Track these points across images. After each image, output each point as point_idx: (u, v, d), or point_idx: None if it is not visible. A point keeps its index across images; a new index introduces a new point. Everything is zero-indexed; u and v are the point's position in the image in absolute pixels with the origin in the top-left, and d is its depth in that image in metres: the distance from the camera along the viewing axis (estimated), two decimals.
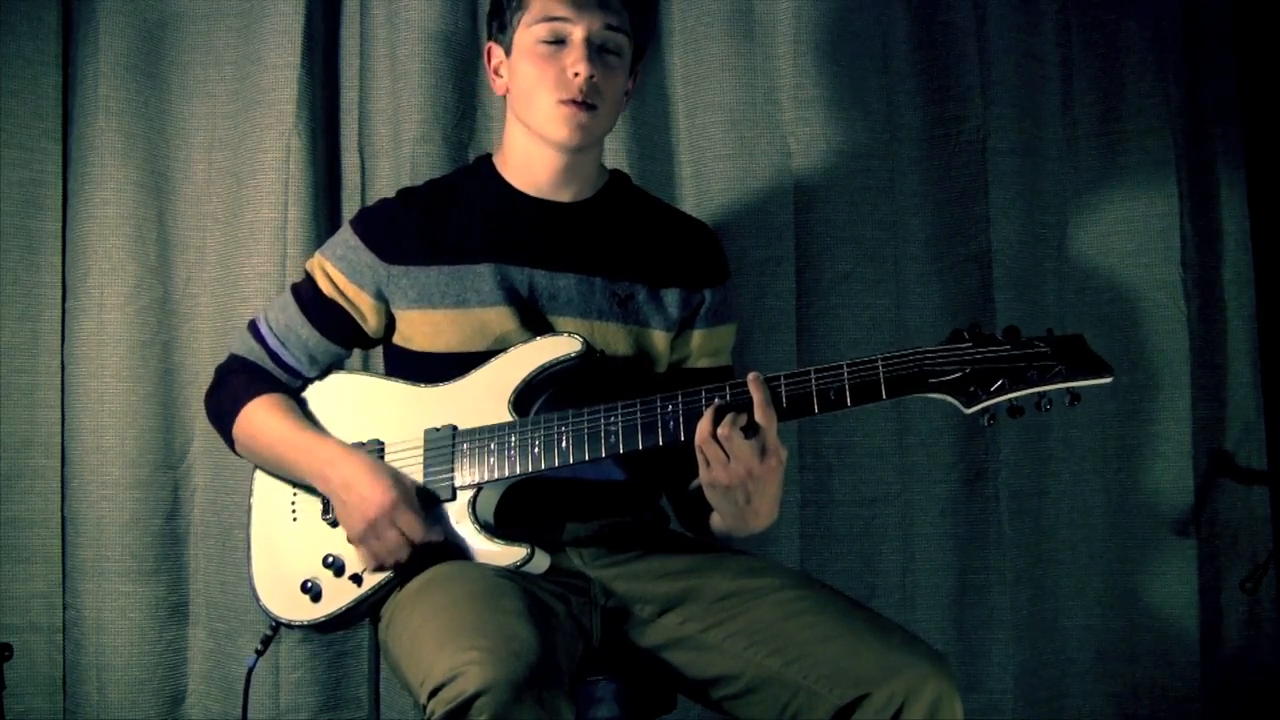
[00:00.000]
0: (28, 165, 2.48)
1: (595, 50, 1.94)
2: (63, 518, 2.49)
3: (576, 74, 1.92)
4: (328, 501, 1.95)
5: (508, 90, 2.03)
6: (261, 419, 1.98)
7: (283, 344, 2.03)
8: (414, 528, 1.84)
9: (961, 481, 2.59)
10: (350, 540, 1.88)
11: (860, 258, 2.56)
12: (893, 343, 2.51)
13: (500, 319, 1.95)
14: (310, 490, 1.96)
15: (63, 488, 2.49)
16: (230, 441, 2.04)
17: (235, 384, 2.02)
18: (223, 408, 2.03)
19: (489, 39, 2.06)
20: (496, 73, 2.05)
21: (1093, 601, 2.62)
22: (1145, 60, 2.65)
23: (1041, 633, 2.60)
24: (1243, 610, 2.64)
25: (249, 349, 2.05)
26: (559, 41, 1.94)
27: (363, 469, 1.87)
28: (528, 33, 1.95)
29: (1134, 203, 2.64)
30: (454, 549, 1.87)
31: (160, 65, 2.54)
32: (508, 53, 2.01)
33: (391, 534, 1.84)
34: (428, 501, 1.88)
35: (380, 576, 1.89)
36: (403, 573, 1.87)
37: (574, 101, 1.93)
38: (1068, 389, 1.72)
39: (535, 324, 1.96)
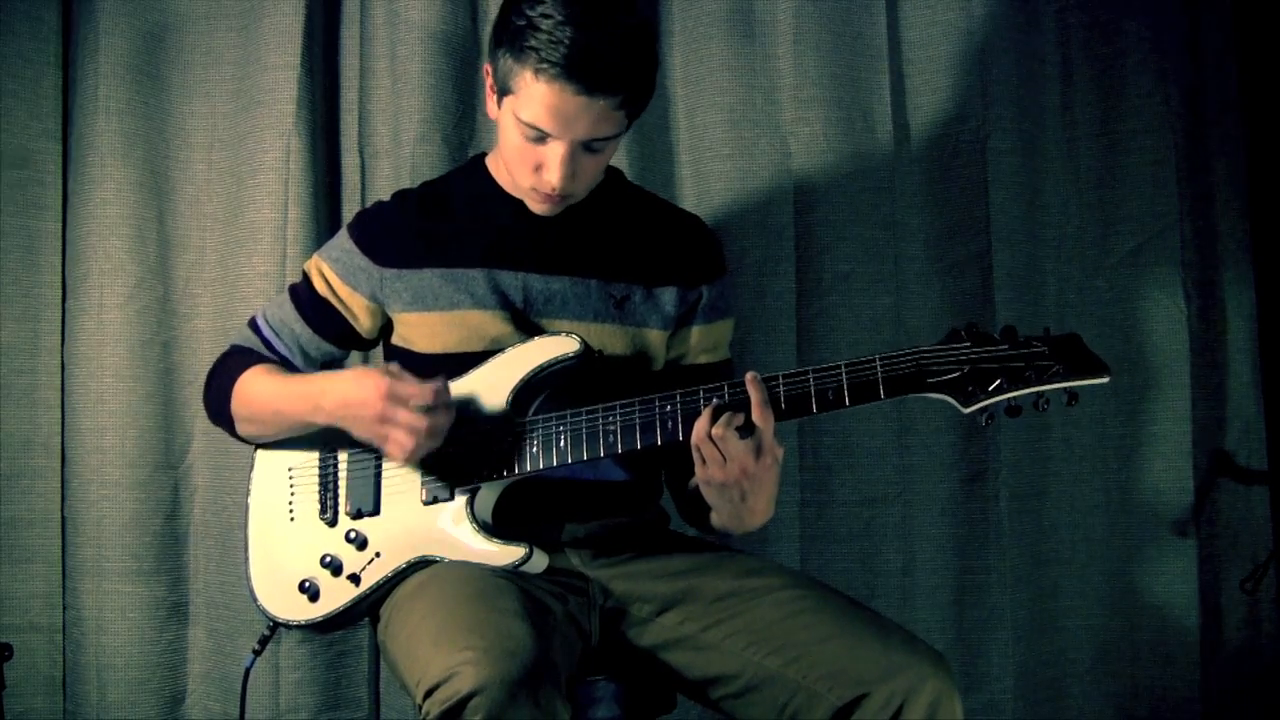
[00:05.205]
0: (28, 165, 2.48)
1: (576, 151, 1.86)
2: (63, 518, 2.49)
3: (549, 180, 1.87)
4: (325, 501, 1.95)
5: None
6: (254, 386, 1.98)
7: (276, 335, 2.04)
8: (415, 392, 1.80)
9: (961, 481, 2.59)
10: (382, 449, 1.85)
11: (860, 258, 2.56)
12: (893, 343, 2.51)
13: (494, 322, 1.95)
14: (313, 447, 1.96)
15: (63, 488, 2.50)
16: (231, 424, 2.02)
17: (228, 365, 2.03)
18: (220, 390, 2.02)
19: (488, 59, 1.94)
20: (490, 94, 1.95)
21: (1093, 601, 2.61)
22: (1145, 60, 2.65)
23: (1041, 633, 2.60)
24: (1243, 610, 2.63)
25: (244, 338, 2.07)
26: (541, 138, 1.85)
27: (348, 382, 1.87)
28: (512, 115, 1.86)
29: (1134, 203, 2.64)
30: (452, 548, 1.87)
31: (160, 65, 2.54)
32: (498, 100, 1.91)
33: (402, 412, 1.80)
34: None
35: (378, 576, 1.89)
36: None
37: (545, 194, 1.90)
38: (1065, 389, 1.73)
39: (529, 327, 1.95)
